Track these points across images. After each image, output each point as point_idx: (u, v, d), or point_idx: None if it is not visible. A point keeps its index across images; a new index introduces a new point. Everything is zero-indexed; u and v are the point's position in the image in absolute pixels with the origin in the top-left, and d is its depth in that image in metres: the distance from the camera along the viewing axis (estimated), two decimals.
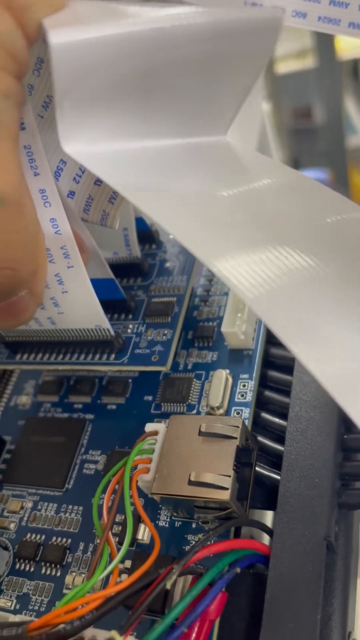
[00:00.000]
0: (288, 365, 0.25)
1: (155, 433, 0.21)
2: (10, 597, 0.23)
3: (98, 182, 0.20)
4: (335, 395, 0.12)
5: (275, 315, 0.13)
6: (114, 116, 0.16)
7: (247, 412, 0.23)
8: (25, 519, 0.25)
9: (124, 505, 0.19)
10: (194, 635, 0.17)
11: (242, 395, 0.24)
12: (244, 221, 0.17)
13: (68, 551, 0.23)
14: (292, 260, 0.15)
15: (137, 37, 0.15)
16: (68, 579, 0.22)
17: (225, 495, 0.19)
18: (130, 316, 0.28)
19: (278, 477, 0.21)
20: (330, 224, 0.17)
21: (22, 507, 0.25)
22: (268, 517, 0.24)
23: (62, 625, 0.16)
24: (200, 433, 0.20)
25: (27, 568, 0.23)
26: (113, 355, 0.26)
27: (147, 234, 0.31)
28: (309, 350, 0.13)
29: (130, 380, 0.27)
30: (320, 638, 0.17)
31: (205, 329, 0.27)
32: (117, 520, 0.23)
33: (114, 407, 0.27)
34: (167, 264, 0.30)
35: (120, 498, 0.19)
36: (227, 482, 0.19)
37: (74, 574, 0.22)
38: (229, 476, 0.19)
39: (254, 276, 0.14)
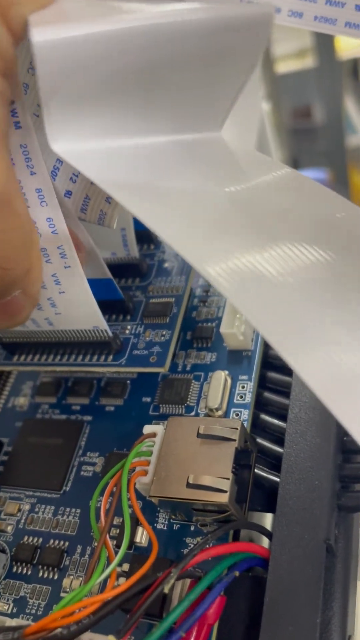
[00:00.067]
0: (287, 366, 0.25)
1: (154, 435, 0.21)
2: (8, 600, 0.22)
3: None
4: (324, 400, 0.12)
5: (266, 319, 0.13)
6: (103, 114, 0.16)
7: (246, 414, 0.23)
8: (22, 521, 0.25)
9: (121, 507, 0.19)
10: (192, 639, 0.17)
11: (241, 397, 0.24)
12: (235, 221, 0.16)
13: (65, 554, 0.23)
14: (284, 264, 0.15)
15: (127, 34, 0.15)
16: (65, 582, 0.22)
17: (223, 498, 0.19)
18: (129, 317, 0.28)
19: (277, 480, 0.21)
20: (326, 224, 0.17)
21: (19, 510, 0.25)
22: (267, 520, 0.24)
23: (59, 630, 0.16)
24: (198, 435, 0.20)
25: (25, 571, 0.23)
26: (111, 357, 0.26)
27: (145, 234, 0.30)
28: (298, 354, 0.13)
29: (128, 382, 0.27)
30: None
31: (204, 330, 0.27)
32: (115, 523, 0.23)
33: (112, 408, 0.27)
34: (166, 264, 0.30)
35: (118, 500, 0.19)
36: (226, 485, 0.19)
37: (72, 577, 0.22)
38: (228, 479, 0.19)
39: (237, 273, 0.14)
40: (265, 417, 0.24)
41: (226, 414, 0.23)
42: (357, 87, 0.97)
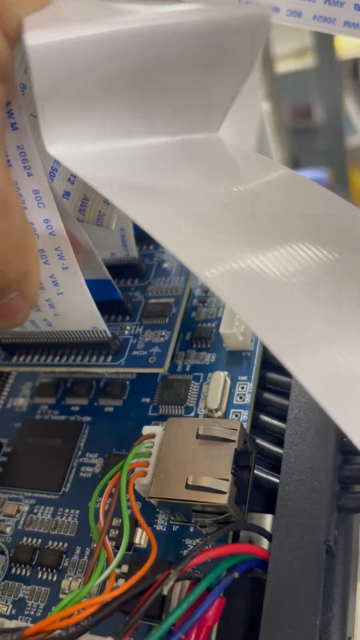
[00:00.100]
0: None
1: (153, 436, 0.21)
2: (6, 602, 0.22)
3: None
4: (321, 402, 0.12)
5: (262, 322, 0.13)
6: (100, 116, 0.16)
7: (245, 415, 0.23)
8: (21, 522, 0.25)
9: (120, 509, 0.19)
10: None
11: (241, 398, 0.24)
12: (232, 222, 0.16)
13: (64, 555, 0.23)
14: (281, 266, 0.15)
15: (123, 36, 0.15)
16: (64, 583, 0.22)
17: (223, 500, 0.18)
18: (128, 317, 0.28)
19: (277, 480, 0.21)
20: (325, 225, 0.17)
21: (18, 511, 0.25)
22: (267, 521, 0.24)
23: (57, 632, 0.16)
24: (198, 436, 0.20)
25: (23, 572, 0.23)
26: (110, 357, 0.26)
27: (144, 235, 0.30)
28: (295, 356, 0.13)
29: (127, 382, 0.27)
30: None
31: (204, 330, 0.27)
32: (114, 524, 0.23)
33: (111, 409, 0.27)
34: (165, 265, 0.29)
35: (117, 502, 0.19)
36: (225, 486, 0.19)
37: (71, 578, 0.22)
38: (227, 480, 0.19)
39: (233, 276, 0.14)
40: (265, 418, 0.24)
41: (226, 415, 0.23)
42: (357, 87, 0.97)
